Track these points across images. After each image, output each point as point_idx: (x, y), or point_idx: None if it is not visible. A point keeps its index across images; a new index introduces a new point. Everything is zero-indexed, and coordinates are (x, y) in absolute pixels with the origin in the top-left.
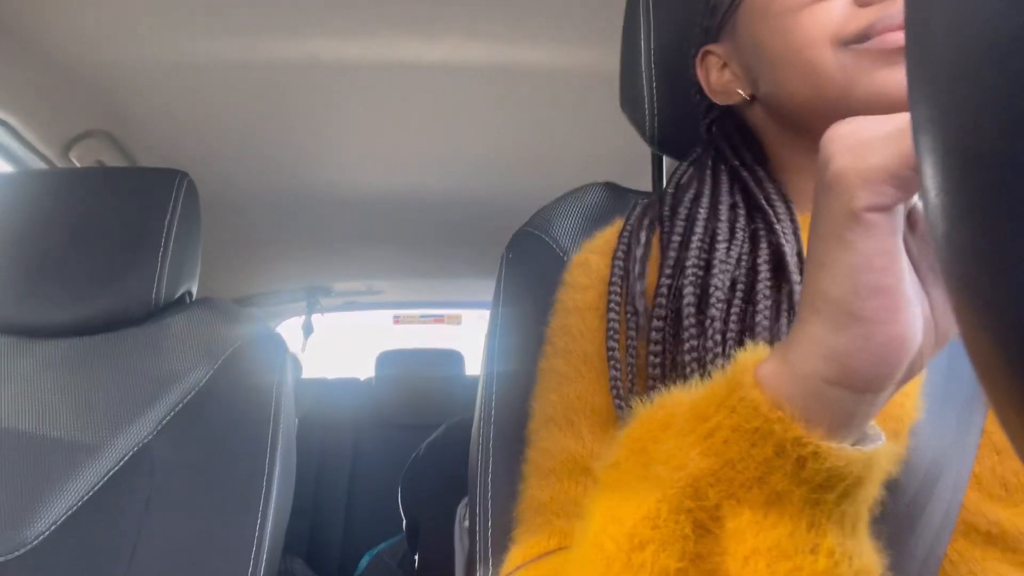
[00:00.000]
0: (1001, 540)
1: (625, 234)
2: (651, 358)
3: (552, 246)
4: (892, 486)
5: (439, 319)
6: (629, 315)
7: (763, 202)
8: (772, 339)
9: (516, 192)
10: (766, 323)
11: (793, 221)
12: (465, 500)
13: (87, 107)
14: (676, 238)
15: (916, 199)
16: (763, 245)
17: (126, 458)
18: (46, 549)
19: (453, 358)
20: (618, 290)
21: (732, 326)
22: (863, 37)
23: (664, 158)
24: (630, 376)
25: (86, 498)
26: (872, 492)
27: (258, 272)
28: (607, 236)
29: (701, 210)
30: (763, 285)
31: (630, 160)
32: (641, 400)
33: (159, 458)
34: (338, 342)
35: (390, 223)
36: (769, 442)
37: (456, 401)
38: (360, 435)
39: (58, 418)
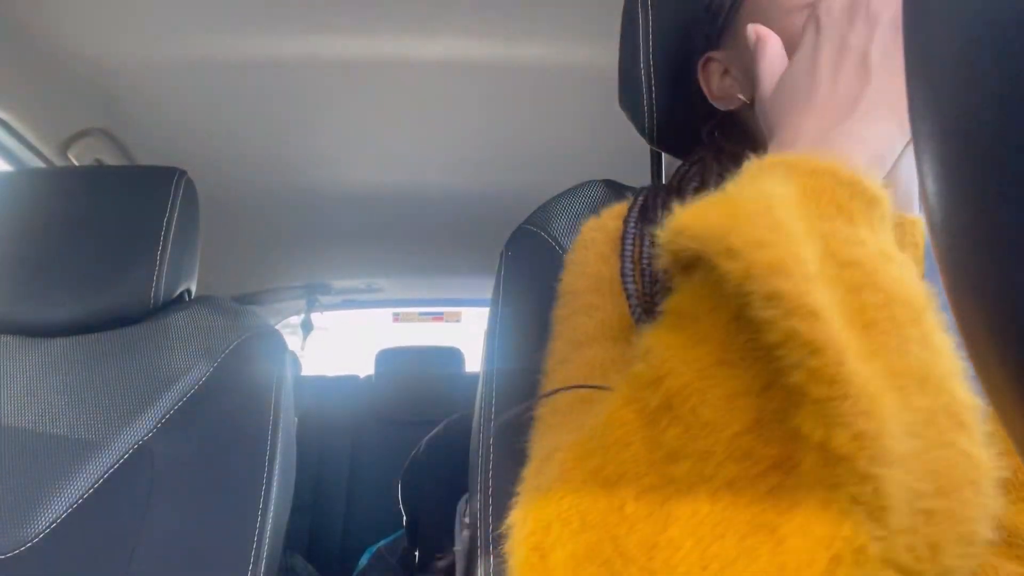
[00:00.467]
0: (1000, 536)
1: (638, 201)
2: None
3: (551, 243)
4: None
5: (438, 316)
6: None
7: None
8: None
9: (515, 189)
10: None
11: None
12: (465, 497)
13: (85, 105)
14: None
15: None
16: None
17: (126, 456)
18: (47, 547)
19: (453, 355)
20: (633, 231)
21: None
22: None
23: (663, 155)
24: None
25: (87, 496)
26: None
27: (257, 270)
28: (613, 212)
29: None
30: None
31: (629, 157)
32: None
33: (159, 456)
34: (338, 340)
35: (389, 220)
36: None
37: (456, 398)
38: (360, 432)
39: (58, 416)
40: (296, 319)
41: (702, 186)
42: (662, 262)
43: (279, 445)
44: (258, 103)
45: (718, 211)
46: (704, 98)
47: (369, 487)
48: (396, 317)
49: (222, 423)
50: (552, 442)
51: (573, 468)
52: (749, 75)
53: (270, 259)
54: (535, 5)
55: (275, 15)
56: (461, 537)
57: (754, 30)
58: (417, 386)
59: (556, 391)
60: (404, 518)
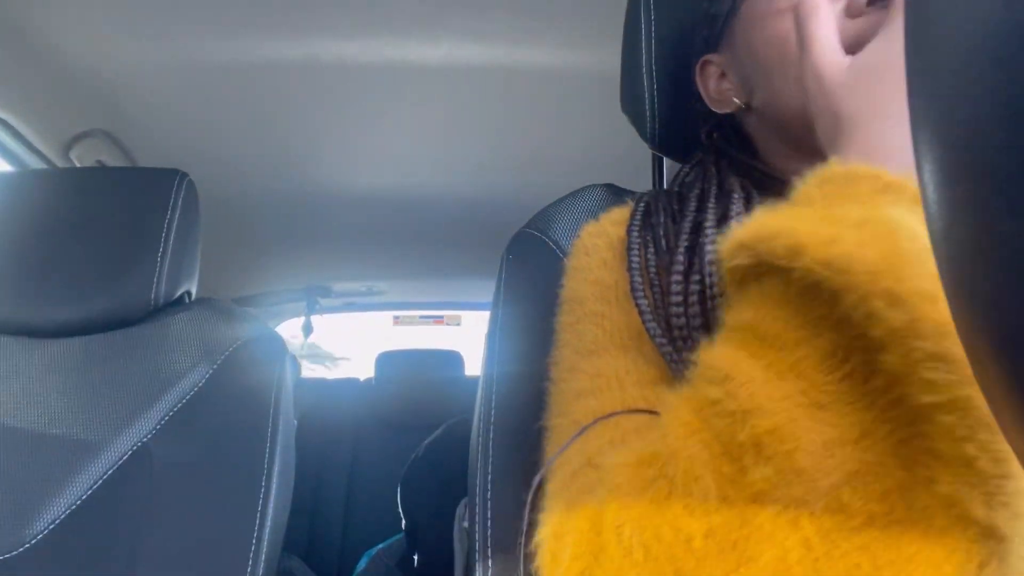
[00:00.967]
0: None
1: (640, 207)
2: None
3: (552, 247)
4: None
5: (439, 320)
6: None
7: (775, 180)
8: None
9: (516, 193)
10: None
11: None
12: (464, 501)
13: (87, 107)
14: (689, 215)
15: None
16: None
17: (125, 457)
18: (46, 548)
19: (453, 359)
20: (637, 239)
21: None
22: (853, 49)
23: (665, 160)
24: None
25: (86, 497)
26: None
27: (258, 272)
28: (613, 218)
29: (711, 198)
30: None
31: (631, 161)
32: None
33: (158, 457)
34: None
35: (390, 223)
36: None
37: (455, 402)
38: (359, 435)
39: (57, 417)
40: (296, 321)
41: (703, 191)
42: (727, 268)
43: (278, 448)
44: (260, 105)
45: (875, 244)
46: (703, 101)
47: (368, 490)
48: (396, 320)
49: (222, 425)
50: (581, 456)
51: (630, 494)
52: (745, 80)
53: (271, 261)
54: (537, 9)
55: (277, 18)
56: (460, 541)
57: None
58: (417, 389)
59: (614, 414)
60: (403, 522)
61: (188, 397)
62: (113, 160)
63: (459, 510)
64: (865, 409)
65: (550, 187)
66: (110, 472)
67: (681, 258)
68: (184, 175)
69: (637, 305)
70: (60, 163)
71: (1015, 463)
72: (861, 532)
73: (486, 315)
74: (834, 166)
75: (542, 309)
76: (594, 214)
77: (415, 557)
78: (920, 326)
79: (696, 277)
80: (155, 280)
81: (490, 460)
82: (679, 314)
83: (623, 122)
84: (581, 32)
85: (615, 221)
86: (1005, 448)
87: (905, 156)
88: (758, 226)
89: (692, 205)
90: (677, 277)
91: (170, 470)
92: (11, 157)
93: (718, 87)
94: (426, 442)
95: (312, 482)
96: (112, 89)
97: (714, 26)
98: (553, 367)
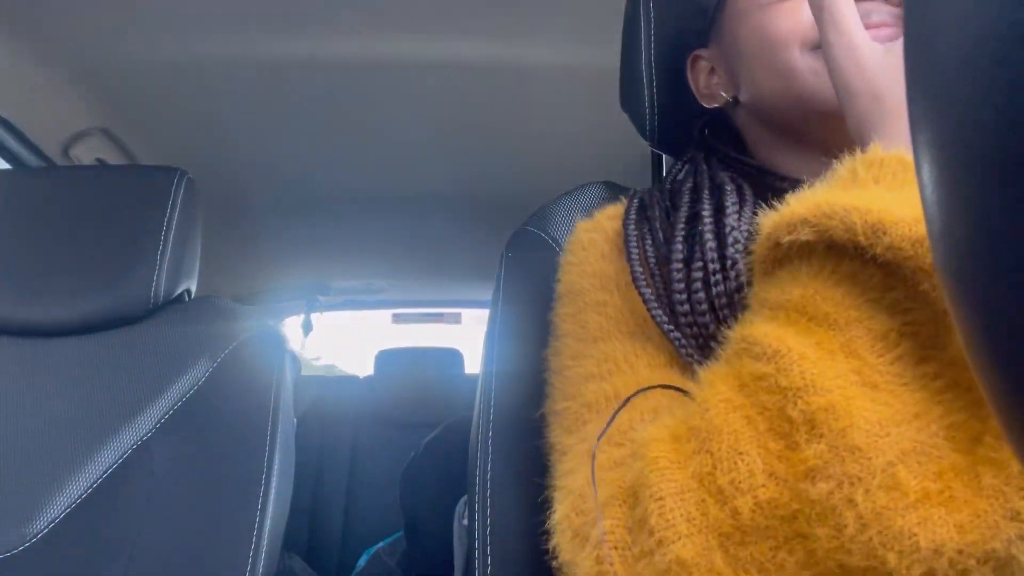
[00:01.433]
0: None
1: (635, 203)
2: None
3: (551, 244)
4: None
5: (438, 318)
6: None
7: (764, 174)
8: None
9: (515, 191)
10: None
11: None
12: (464, 498)
13: (87, 105)
14: (683, 207)
15: None
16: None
17: (126, 455)
18: (46, 546)
19: (452, 357)
20: (634, 234)
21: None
22: None
23: (664, 157)
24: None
25: (86, 495)
26: None
27: (257, 270)
28: (608, 213)
29: (704, 191)
30: None
31: (629, 159)
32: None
33: (159, 455)
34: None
35: (389, 221)
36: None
37: (455, 400)
38: (359, 433)
39: (58, 416)
40: (296, 319)
41: (695, 186)
42: (772, 245)
43: (278, 445)
44: (259, 103)
45: None
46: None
47: (368, 488)
48: (396, 318)
49: (221, 423)
50: (595, 438)
51: (669, 467)
52: (732, 74)
53: (270, 259)
54: (536, 8)
55: (277, 16)
56: (460, 538)
57: None
58: (417, 387)
59: (646, 389)
60: (403, 520)
61: (188, 395)
62: (113, 158)
63: (459, 508)
64: (919, 390)
65: (549, 185)
66: (110, 470)
67: (680, 247)
68: (184, 173)
69: (641, 293)
70: (60, 161)
71: None
72: (917, 509)
73: (486, 313)
74: (879, 150)
75: (542, 306)
76: (592, 211)
77: (415, 555)
78: None
79: (698, 264)
80: (155, 278)
81: (490, 458)
82: (682, 300)
83: (622, 120)
84: (580, 30)
85: (610, 216)
86: None
87: None
88: (818, 202)
89: (685, 199)
90: (677, 265)
91: (170, 468)
92: (10, 155)
93: (707, 82)
94: (426, 440)
95: (312, 480)
96: (112, 87)
97: (704, 19)
98: (554, 357)
